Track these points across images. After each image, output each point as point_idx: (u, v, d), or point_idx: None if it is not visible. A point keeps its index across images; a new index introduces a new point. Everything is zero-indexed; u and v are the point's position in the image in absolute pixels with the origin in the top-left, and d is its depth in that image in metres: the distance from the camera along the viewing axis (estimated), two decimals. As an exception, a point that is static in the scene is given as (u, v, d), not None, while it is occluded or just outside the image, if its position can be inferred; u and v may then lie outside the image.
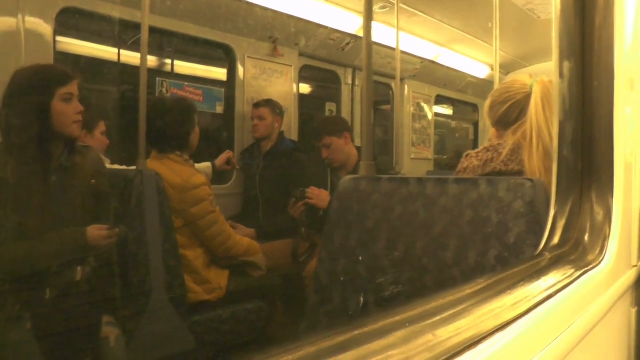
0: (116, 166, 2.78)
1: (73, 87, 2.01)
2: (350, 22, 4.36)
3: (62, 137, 2.02)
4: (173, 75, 3.72)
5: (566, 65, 1.22)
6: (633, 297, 1.31)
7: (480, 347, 0.61)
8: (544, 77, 1.73)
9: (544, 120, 1.64)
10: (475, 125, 7.06)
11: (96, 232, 2.04)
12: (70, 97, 1.99)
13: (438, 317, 0.66)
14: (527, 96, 1.73)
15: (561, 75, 1.22)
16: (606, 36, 1.22)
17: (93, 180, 2.14)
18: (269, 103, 3.83)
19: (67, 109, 1.99)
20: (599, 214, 1.18)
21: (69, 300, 1.99)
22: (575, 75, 1.22)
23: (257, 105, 3.83)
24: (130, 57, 3.38)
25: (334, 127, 3.44)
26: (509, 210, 1.33)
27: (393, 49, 3.95)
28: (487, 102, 1.87)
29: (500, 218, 1.34)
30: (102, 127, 2.91)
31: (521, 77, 1.83)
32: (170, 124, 2.68)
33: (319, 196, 3.05)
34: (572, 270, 1.01)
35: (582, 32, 1.23)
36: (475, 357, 0.60)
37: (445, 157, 6.49)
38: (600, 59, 1.22)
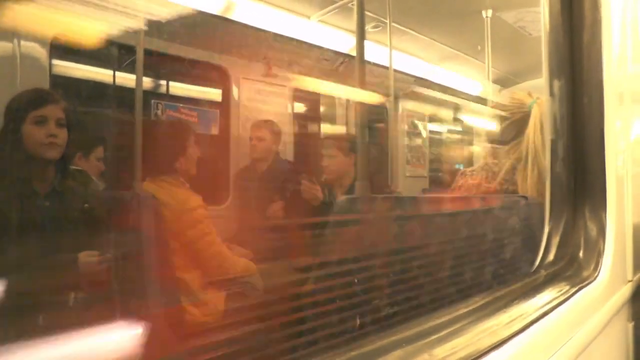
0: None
1: (48, 110, 1.99)
2: (343, 42, 4.38)
3: (38, 159, 2.01)
4: (168, 96, 3.72)
5: (556, 83, 1.23)
6: (629, 311, 1.31)
7: (477, 365, 0.62)
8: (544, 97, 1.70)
9: (541, 143, 1.61)
10: (470, 142, 7.07)
11: (87, 258, 2.02)
12: (42, 120, 1.98)
13: (434, 337, 0.66)
14: (525, 116, 1.71)
15: (551, 93, 1.23)
16: (595, 52, 1.23)
17: (86, 205, 2.13)
18: (267, 124, 3.83)
19: (37, 132, 1.98)
20: (593, 230, 1.19)
21: (62, 327, 1.97)
22: (565, 93, 1.23)
23: (255, 126, 3.84)
24: (126, 80, 3.38)
25: (346, 144, 3.40)
26: (504, 227, 1.34)
27: (386, 68, 3.98)
28: (487, 118, 1.86)
29: (495, 236, 1.35)
30: (99, 152, 2.90)
31: (520, 95, 1.81)
32: (165, 146, 2.68)
33: (311, 187, 3.02)
34: (568, 287, 1.02)
35: (570, 49, 1.25)
36: (472, 376, 0.60)
37: (440, 174, 6.49)
38: (589, 75, 1.24)
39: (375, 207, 1.62)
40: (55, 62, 2.90)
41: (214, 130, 4.05)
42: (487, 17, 3.58)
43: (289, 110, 4.43)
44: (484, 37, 3.64)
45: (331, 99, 5.02)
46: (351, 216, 1.65)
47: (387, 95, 4.50)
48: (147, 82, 3.60)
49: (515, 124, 1.74)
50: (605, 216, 1.18)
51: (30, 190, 2.01)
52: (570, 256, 1.16)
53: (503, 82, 5.71)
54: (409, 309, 1.25)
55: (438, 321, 0.73)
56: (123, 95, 3.37)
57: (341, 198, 1.73)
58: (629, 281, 1.27)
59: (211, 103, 4.06)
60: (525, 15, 4.31)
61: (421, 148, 5.92)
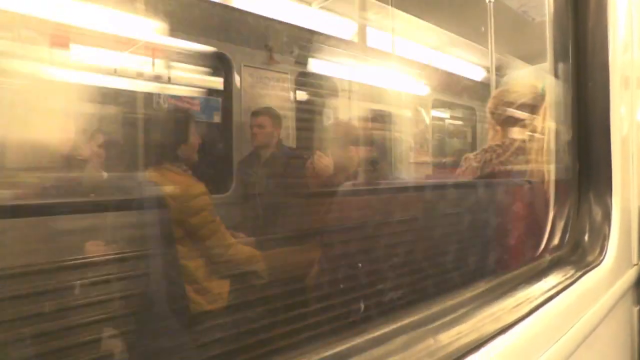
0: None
1: None
2: (345, 28, 4.36)
3: None
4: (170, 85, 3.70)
5: (561, 66, 1.22)
6: (635, 295, 1.30)
7: (482, 350, 0.61)
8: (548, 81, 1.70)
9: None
10: (473, 127, 7.04)
11: (93, 247, 2.03)
12: None
13: (439, 322, 0.66)
14: (537, 98, 1.70)
15: (556, 76, 1.22)
16: (600, 36, 1.22)
17: (92, 194, 2.13)
18: (268, 111, 3.81)
19: None
20: (598, 214, 1.18)
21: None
22: (570, 76, 1.22)
23: (255, 113, 3.82)
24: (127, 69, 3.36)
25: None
26: (508, 212, 1.33)
27: (388, 54, 3.95)
28: (493, 102, 1.84)
29: (499, 221, 1.34)
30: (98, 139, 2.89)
31: (530, 80, 1.80)
32: (167, 135, 2.67)
33: (322, 160, 3.02)
34: (573, 271, 1.01)
35: (575, 33, 1.24)
36: (477, 361, 0.60)
37: (444, 160, 6.47)
38: (594, 59, 1.22)
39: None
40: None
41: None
42: (489, 1, 3.55)
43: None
44: (487, 23, 3.61)
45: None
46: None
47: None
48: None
49: (527, 105, 1.73)
50: (611, 200, 1.18)
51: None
52: (575, 240, 1.16)
53: (507, 67, 5.68)
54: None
55: (442, 306, 0.73)
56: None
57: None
58: (635, 265, 1.27)
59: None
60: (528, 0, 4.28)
61: (424, 134, 5.92)
